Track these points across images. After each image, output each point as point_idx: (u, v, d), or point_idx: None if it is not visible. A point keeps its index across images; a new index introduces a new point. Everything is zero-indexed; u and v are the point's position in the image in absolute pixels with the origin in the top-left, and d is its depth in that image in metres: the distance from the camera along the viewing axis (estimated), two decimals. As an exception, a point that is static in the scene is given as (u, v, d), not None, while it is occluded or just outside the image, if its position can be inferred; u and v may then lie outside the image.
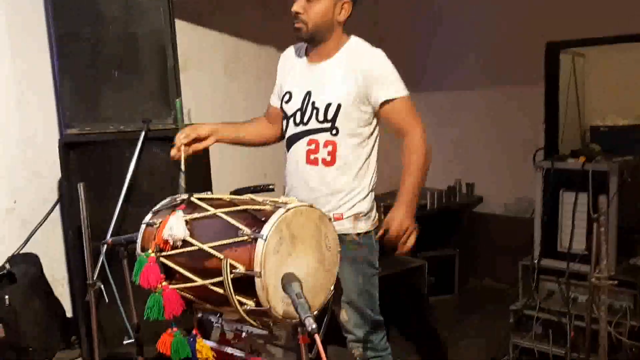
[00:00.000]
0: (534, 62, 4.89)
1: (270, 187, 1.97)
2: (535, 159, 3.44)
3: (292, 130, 2.23)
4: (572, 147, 5.31)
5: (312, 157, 2.16)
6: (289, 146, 2.27)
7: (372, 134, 2.19)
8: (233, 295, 1.72)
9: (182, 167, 2.14)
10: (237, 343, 2.14)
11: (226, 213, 1.84)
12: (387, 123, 2.17)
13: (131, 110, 3.25)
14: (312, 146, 2.16)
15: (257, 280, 1.68)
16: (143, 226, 2.04)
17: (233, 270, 1.72)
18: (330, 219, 1.91)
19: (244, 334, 1.97)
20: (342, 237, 1.99)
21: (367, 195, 2.20)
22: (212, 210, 1.88)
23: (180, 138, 2.25)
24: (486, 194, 5.81)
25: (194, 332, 2.04)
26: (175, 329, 2.00)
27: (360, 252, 2.15)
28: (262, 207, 1.81)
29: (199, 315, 2.09)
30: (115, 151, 3.24)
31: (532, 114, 5.12)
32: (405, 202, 2.07)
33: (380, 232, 2.06)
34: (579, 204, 3.09)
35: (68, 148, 3.24)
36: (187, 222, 1.89)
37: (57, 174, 3.44)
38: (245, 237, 1.72)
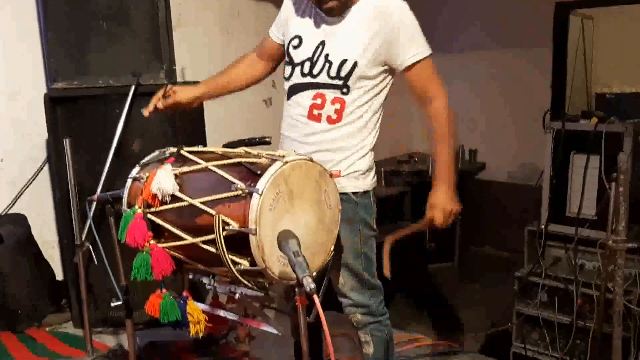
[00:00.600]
0: (542, 24, 4.72)
1: (266, 139, 1.82)
2: (544, 120, 3.29)
3: (297, 79, 2.06)
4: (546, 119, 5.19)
5: (315, 112, 2.00)
6: (290, 95, 2.10)
7: (382, 91, 2.03)
8: (226, 254, 1.59)
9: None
10: (231, 306, 2.02)
11: (218, 166, 1.70)
12: (410, 87, 2.01)
13: (121, 64, 3.08)
14: (318, 101, 2.00)
15: (251, 238, 1.55)
16: (129, 180, 1.90)
17: (226, 227, 1.58)
18: (331, 175, 1.77)
19: (237, 296, 1.85)
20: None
21: (367, 153, 2.05)
22: (203, 164, 1.74)
23: (157, 99, 2.14)
24: (489, 161, 5.69)
25: (184, 293, 1.91)
26: (164, 290, 1.87)
27: (357, 212, 2.01)
28: (258, 160, 1.67)
29: (190, 276, 1.96)
30: (104, 107, 3.08)
31: (539, 79, 4.97)
32: (444, 181, 1.95)
33: (425, 222, 1.94)
34: (590, 167, 2.95)
35: (54, 103, 3.08)
36: (176, 175, 1.76)
37: (45, 131, 3.29)
38: (239, 192, 1.58)
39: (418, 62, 1.96)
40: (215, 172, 1.69)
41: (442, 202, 1.96)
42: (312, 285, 1.29)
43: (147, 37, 3.10)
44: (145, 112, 2.12)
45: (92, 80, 3.07)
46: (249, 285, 1.67)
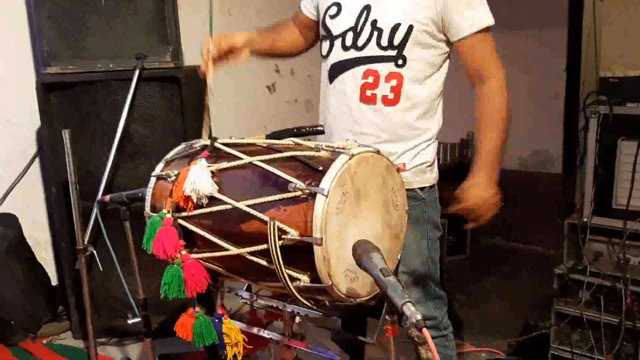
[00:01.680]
0: (555, 3, 4.51)
1: (319, 128, 1.53)
2: (585, 103, 3.05)
3: (338, 55, 1.77)
4: (591, 98, 4.99)
5: (368, 93, 1.71)
6: (332, 77, 1.81)
7: (442, 65, 1.76)
8: (282, 268, 1.31)
9: (210, 88, 1.66)
10: (271, 323, 1.74)
11: (266, 161, 1.41)
12: (465, 61, 1.73)
13: (122, 45, 2.76)
14: (370, 79, 1.71)
15: (316, 249, 1.27)
16: (153, 179, 1.60)
17: (283, 236, 1.30)
18: (398, 170, 1.49)
19: (288, 315, 1.57)
20: None
21: (433, 141, 1.78)
22: (246, 158, 1.45)
23: (209, 48, 1.74)
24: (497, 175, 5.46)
25: (218, 311, 1.63)
26: (197, 308, 1.58)
27: (424, 210, 1.74)
28: (316, 154, 1.38)
29: (226, 289, 1.67)
30: (104, 94, 2.77)
31: (552, 62, 4.75)
32: (485, 168, 1.67)
33: (457, 207, 1.65)
34: (640, 156, 2.70)
35: (47, 90, 2.76)
36: (213, 173, 1.46)
37: (36, 122, 2.95)
38: (299, 193, 1.30)
39: (475, 33, 1.69)
40: (263, 168, 1.40)
41: (478, 188, 1.67)
42: (419, 316, 1.01)
43: (151, 16, 2.78)
44: (203, 65, 1.75)
45: (90, 64, 2.76)
46: (307, 304, 1.39)
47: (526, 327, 3.44)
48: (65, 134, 2.32)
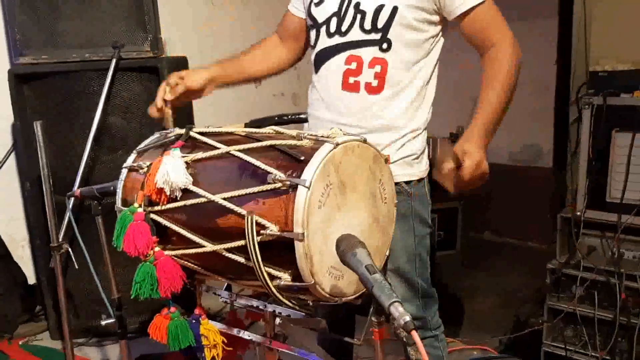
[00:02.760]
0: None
1: (302, 116, 1.44)
2: (579, 94, 2.98)
3: (323, 42, 1.67)
4: (581, 92, 4.92)
5: (351, 80, 1.62)
6: (317, 65, 1.71)
7: (433, 49, 1.66)
8: (261, 266, 1.21)
9: (170, 125, 1.56)
10: (253, 324, 1.65)
11: (245, 151, 1.31)
12: (469, 37, 1.63)
13: (98, 33, 2.63)
14: (353, 65, 1.62)
15: (298, 245, 1.17)
16: (124, 171, 1.50)
17: (261, 232, 1.20)
18: (386, 160, 1.39)
19: (270, 315, 1.47)
20: None
21: (421, 132, 1.68)
22: (223, 148, 1.35)
23: (164, 91, 1.66)
24: (490, 142, 5.38)
25: (196, 311, 1.53)
26: (173, 308, 1.48)
27: (411, 205, 1.65)
28: (298, 143, 1.28)
29: (202, 288, 1.58)
30: (80, 85, 2.64)
31: (542, 55, 4.67)
32: (479, 131, 1.54)
33: (450, 166, 1.51)
34: (635, 147, 2.63)
35: (21, 81, 2.63)
36: (187, 164, 1.36)
37: (11, 114, 2.83)
38: (279, 184, 1.20)
39: (475, 6, 1.58)
40: (241, 158, 1.30)
41: (474, 150, 1.49)
42: (407, 317, 0.92)
43: (129, 3, 2.65)
44: (153, 111, 1.67)
45: (64, 54, 2.62)
46: (289, 304, 1.29)
47: (517, 323, 3.38)
48: (37, 126, 2.21)
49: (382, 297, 0.96)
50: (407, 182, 1.64)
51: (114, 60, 2.55)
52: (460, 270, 4.73)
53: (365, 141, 1.32)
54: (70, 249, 2.34)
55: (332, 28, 1.64)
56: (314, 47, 1.72)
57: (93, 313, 2.78)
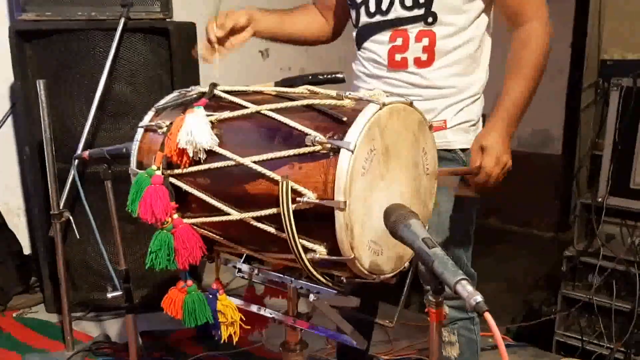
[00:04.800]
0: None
1: (339, 75, 1.31)
2: (601, 74, 2.86)
3: (365, 21, 1.57)
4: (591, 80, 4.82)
5: (398, 57, 1.51)
6: (360, 42, 1.60)
7: (482, 12, 1.53)
8: (296, 237, 1.10)
9: (216, 73, 1.42)
10: (269, 300, 1.53)
11: (277, 111, 1.19)
12: (502, 4, 1.51)
13: (106, -10, 2.49)
14: (398, 41, 1.50)
15: (338, 215, 1.06)
16: (140, 131, 1.37)
17: (297, 199, 1.08)
18: (431, 127, 1.27)
19: (294, 292, 1.36)
20: (440, 154, 1.36)
21: (479, 97, 1.57)
22: (252, 107, 1.22)
23: (214, 31, 1.50)
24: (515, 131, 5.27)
25: (214, 285, 1.41)
26: (189, 282, 1.37)
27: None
28: (338, 102, 1.16)
29: (221, 261, 1.46)
30: (86, 45, 2.50)
31: (556, 35, 4.55)
32: (503, 121, 1.43)
33: (474, 166, 1.41)
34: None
35: (22, 39, 2.49)
36: (212, 123, 1.24)
37: (10, 75, 2.68)
38: (318, 147, 1.08)
39: None
40: (273, 119, 1.18)
41: (496, 147, 1.41)
42: (480, 297, 0.80)
43: (139, -41, 2.51)
44: (206, 50, 1.53)
45: (69, 11, 2.49)
46: (323, 280, 1.17)
47: (528, 311, 3.30)
48: (40, 85, 2.08)
49: (445, 274, 0.84)
50: (463, 150, 1.53)
51: (122, 20, 2.41)
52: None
53: (411, 104, 1.20)
54: (71, 218, 2.22)
55: (372, 7, 1.54)
56: (355, 25, 1.61)
57: (92, 285, 2.67)
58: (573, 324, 2.88)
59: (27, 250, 3.03)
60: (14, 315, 2.68)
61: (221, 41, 1.51)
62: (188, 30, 2.68)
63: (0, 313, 2.66)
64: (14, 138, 3.01)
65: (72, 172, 2.09)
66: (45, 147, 2.11)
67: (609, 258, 2.73)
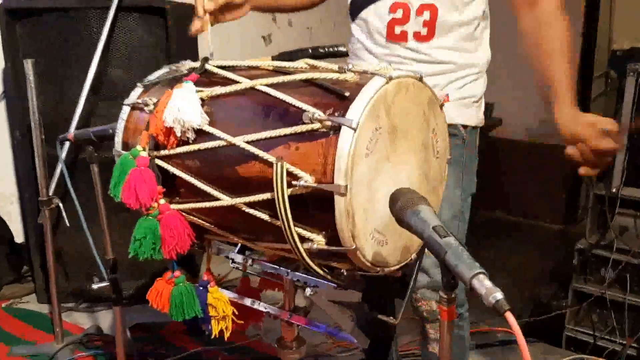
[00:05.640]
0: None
1: (341, 49, 1.20)
2: (611, 64, 2.73)
3: None
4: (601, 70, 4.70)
5: (397, 30, 1.40)
6: (355, 12, 1.50)
7: None
8: (291, 224, 0.99)
9: (210, 47, 1.31)
10: (265, 292, 1.43)
11: (273, 86, 1.08)
12: None
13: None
14: (398, 13, 1.39)
15: (338, 200, 0.95)
16: (126, 109, 1.27)
17: (293, 183, 0.97)
18: (441, 106, 1.16)
19: (290, 284, 1.26)
20: None
21: (482, 74, 1.47)
22: (246, 82, 1.12)
23: (204, 3, 1.40)
24: (506, 117, 5.15)
25: (204, 277, 1.31)
26: (177, 272, 1.27)
27: (463, 153, 1.43)
28: (340, 76, 1.05)
29: (213, 250, 1.36)
30: (79, 25, 2.41)
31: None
32: (569, 98, 1.30)
33: (574, 151, 1.27)
34: (683, 120, 2.41)
35: (12, 18, 2.39)
36: (203, 101, 1.13)
37: (1, 56, 2.58)
38: (317, 125, 0.97)
39: None
40: (269, 94, 1.07)
41: (579, 117, 1.27)
42: (500, 295, 0.70)
43: None
44: (195, 23, 1.42)
45: (62, -11, 2.38)
46: (321, 272, 1.07)
47: (538, 306, 3.19)
48: (28, 64, 1.98)
49: (460, 267, 0.74)
50: (464, 127, 1.43)
51: (115, -1, 2.30)
52: (470, 249, 4.54)
53: (421, 79, 1.09)
54: (61, 205, 2.12)
55: None
56: None
57: (85, 275, 2.57)
58: (584, 319, 2.77)
59: (20, 238, 2.94)
60: (4, 305, 2.59)
61: (212, 14, 1.39)
62: (186, 10, 2.57)
63: (-10, 303, 2.58)
64: (7, 122, 2.91)
65: (60, 157, 1.98)
66: (33, 130, 2.02)
67: (622, 251, 2.61)
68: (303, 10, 1.69)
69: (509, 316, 0.69)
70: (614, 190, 2.63)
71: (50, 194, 2.15)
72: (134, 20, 2.41)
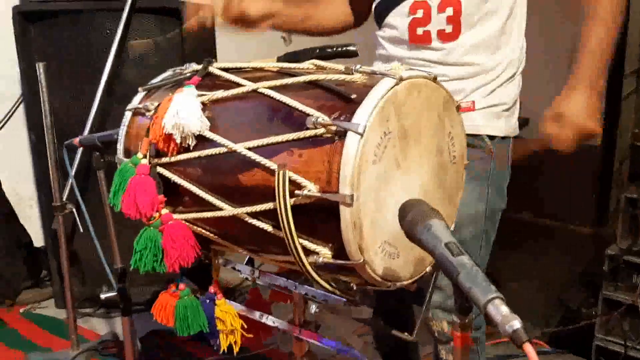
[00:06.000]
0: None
1: (351, 48, 1.13)
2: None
3: None
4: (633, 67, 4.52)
5: (419, 30, 1.32)
6: (379, 20, 1.42)
7: None
8: (294, 236, 0.93)
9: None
10: (275, 305, 1.37)
11: (277, 88, 1.02)
12: None
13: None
14: (419, 13, 1.31)
15: (344, 211, 0.88)
16: (128, 114, 1.23)
17: (297, 192, 0.91)
18: (458, 108, 1.09)
19: (300, 298, 1.20)
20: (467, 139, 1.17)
21: (514, 76, 1.37)
22: (249, 85, 1.06)
23: (209, 12, 1.35)
24: (533, 116, 5.01)
25: (211, 289, 1.25)
26: (182, 285, 1.21)
27: (490, 166, 1.34)
28: (347, 77, 0.98)
29: (220, 261, 1.30)
30: (93, 27, 2.39)
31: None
32: (585, 83, 1.21)
33: (548, 128, 1.21)
34: None
35: (26, 20, 2.38)
36: (204, 105, 1.07)
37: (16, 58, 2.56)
38: (321, 130, 0.91)
39: None
40: (272, 97, 1.01)
41: (575, 114, 1.21)
42: (518, 324, 0.62)
43: None
44: (192, 20, 1.37)
45: (75, -10, 2.36)
46: (328, 287, 1.01)
47: (567, 313, 3.07)
48: (40, 67, 1.95)
49: (474, 290, 0.67)
50: (491, 138, 1.33)
51: (129, 1, 2.26)
52: (496, 252, 4.43)
53: (435, 79, 1.01)
54: (74, 210, 2.09)
55: None
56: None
57: (101, 280, 2.55)
58: (614, 327, 2.65)
59: (40, 242, 2.93)
60: (22, 310, 2.58)
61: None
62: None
63: (8, 308, 2.56)
64: (25, 124, 2.91)
65: (75, 160, 1.96)
66: (46, 134, 1.99)
67: (656, 257, 2.49)
68: (333, 35, 1.61)
69: (528, 349, 0.61)
70: (647, 193, 2.51)
71: (64, 198, 2.12)
72: (148, 21, 2.38)
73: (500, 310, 0.64)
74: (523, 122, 4.42)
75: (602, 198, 4.71)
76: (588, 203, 4.76)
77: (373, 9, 1.45)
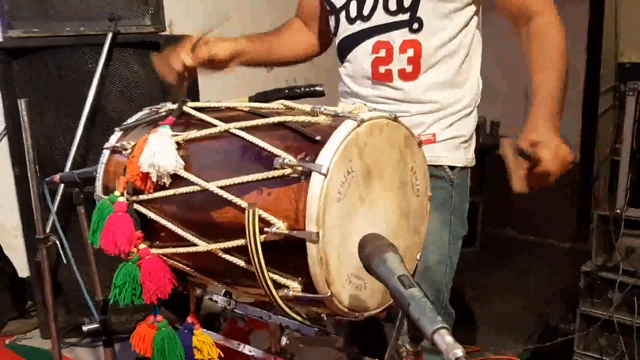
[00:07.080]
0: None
1: (318, 88, 1.20)
2: (619, 77, 2.71)
3: (345, 30, 1.46)
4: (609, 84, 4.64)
5: (382, 69, 1.39)
6: (342, 55, 1.49)
7: (472, 18, 1.41)
8: (265, 271, 0.98)
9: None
10: (251, 334, 1.42)
11: (247, 129, 1.07)
12: (503, 5, 1.40)
13: (94, 5, 2.40)
14: (382, 52, 1.38)
15: (310, 247, 0.94)
16: (106, 152, 1.27)
17: (266, 229, 0.96)
18: (420, 144, 1.15)
19: (275, 327, 1.24)
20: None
21: (471, 112, 1.44)
22: (221, 126, 1.11)
23: (186, 55, 1.39)
24: (513, 134, 5.11)
25: (189, 319, 1.30)
26: (158, 317, 1.25)
27: (452, 195, 1.40)
28: (313, 119, 1.04)
29: (197, 292, 1.34)
30: (75, 61, 2.42)
31: (569, 40, 4.40)
32: (545, 116, 1.27)
33: (523, 167, 1.25)
34: (685, 138, 2.37)
35: (9, 56, 2.42)
36: (179, 144, 1.13)
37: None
38: (288, 170, 0.96)
39: None
40: (242, 138, 1.06)
41: (550, 139, 1.24)
42: (460, 352, 0.68)
43: (128, -29, 2.43)
44: (170, 74, 1.41)
45: (58, 27, 2.40)
46: (297, 318, 1.05)
47: (545, 329, 3.13)
48: (22, 104, 1.98)
49: (422, 320, 0.72)
50: (452, 168, 1.40)
51: (110, 34, 2.32)
52: (480, 268, 4.48)
53: (396, 119, 1.07)
54: (58, 242, 2.12)
55: (353, 12, 1.42)
56: (334, 34, 1.50)
57: (88, 309, 2.57)
58: (592, 343, 2.71)
59: (25, 273, 2.94)
60: (7, 342, 2.58)
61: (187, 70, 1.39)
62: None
63: (-7, 339, 2.58)
64: (9, 157, 2.94)
65: (57, 197, 2.00)
66: (28, 168, 2.02)
67: (629, 273, 2.55)
68: (297, 64, 1.68)
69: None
70: (617, 211, 2.59)
71: (48, 230, 2.15)
72: (129, 55, 2.43)
73: (445, 339, 0.70)
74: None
75: (582, 213, 4.80)
76: (569, 219, 4.85)
77: (336, 45, 1.51)
